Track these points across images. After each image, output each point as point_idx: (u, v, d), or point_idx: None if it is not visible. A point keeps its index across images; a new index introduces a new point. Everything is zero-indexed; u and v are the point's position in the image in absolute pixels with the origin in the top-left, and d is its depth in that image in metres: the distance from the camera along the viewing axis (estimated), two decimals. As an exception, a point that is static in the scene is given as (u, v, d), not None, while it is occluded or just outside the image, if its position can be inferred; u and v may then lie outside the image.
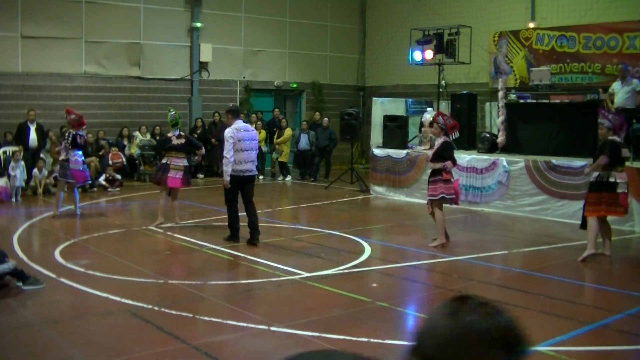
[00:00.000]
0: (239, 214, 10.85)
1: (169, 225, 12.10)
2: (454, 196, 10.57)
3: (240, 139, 10.40)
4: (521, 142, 14.89)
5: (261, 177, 20.37)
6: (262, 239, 10.72)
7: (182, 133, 12.54)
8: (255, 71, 22.90)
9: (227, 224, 10.93)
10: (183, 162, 12.27)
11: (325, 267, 9.21)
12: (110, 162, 17.81)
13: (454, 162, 10.83)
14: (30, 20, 18.27)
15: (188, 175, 12.51)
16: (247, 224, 10.69)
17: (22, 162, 15.58)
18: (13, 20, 18.05)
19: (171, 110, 12.84)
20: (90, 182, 14.81)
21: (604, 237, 10.00)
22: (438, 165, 10.51)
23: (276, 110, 21.99)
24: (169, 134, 12.44)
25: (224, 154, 10.43)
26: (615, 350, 6.24)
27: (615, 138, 9.79)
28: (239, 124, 10.64)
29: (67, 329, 6.64)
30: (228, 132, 10.49)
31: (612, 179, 9.71)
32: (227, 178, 10.47)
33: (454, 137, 10.87)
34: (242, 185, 10.63)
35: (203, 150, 12.83)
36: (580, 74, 18.24)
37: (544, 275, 8.96)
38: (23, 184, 15.66)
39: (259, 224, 10.75)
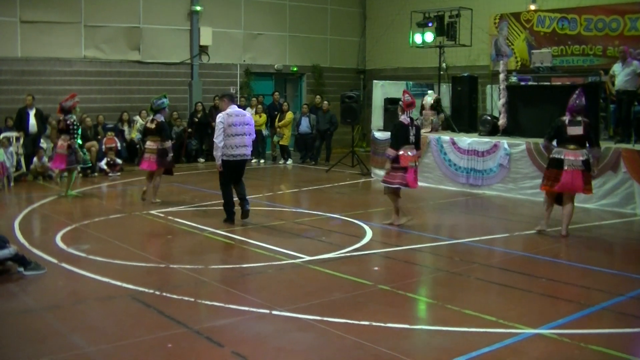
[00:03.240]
0: None
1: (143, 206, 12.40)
2: (406, 184, 10.81)
3: (231, 124, 10.57)
4: (522, 125, 14.85)
5: (262, 160, 20.41)
6: (264, 223, 10.77)
7: (156, 118, 12.81)
8: (256, 55, 22.83)
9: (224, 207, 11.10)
10: (156, 145, 12.69)
11: (327, 250, 9.21)
12: (104, 146, 17.68)
13: (394, 147, 10.80)
14: (29, 5, 18.19)
15: (164, 158, 12.76)
16: (236, 197, 11.02)
17: (11, 149, 15.43)
18: (12, 5, 17.97)
19: (162, 97, 13.04)
20: (73, 166, 14.08)
21: (548, 213, 10.45)
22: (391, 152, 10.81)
23: (276, 93, 21.94)
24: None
25: (214, 139, 10.70)
26: (617, 333, 6.24)
27: (564, 117, 10.14)
28: (232, 109, 10.76)
29: (68, 314, 6.65)
30: (219, 117, 10.74)
31: (558, 156, 10.09)
32: (218, 162, 10.73)
33: (409, 115, 10.82)
34: (235, 169, 10.85)
35: (168, 143, 12.75)
36: (581, 56, 18.16)
37: (546, 257, 8.96)
38: (13, 169, 15.53)
39: (260, 208, 10.79)
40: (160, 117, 12.79)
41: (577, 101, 10.08)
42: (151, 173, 12.91)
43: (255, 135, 11.09)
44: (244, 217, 10.98)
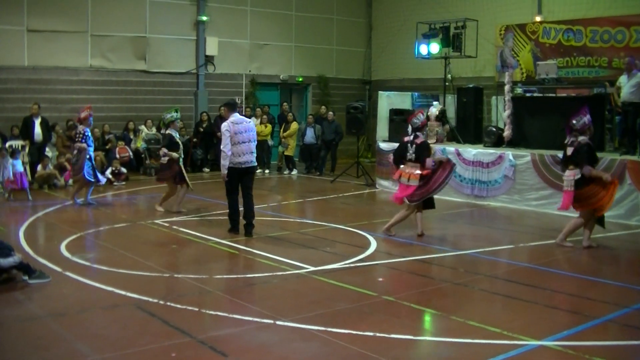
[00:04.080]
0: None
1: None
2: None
3: (237, 131, 10.55)
4: (527, 136, 14.84)
5: (267, 171, 20.41)
6: (269, 233, 10.77)
7: (164, 132, 13.29)
8: (261, 65, 22.88)
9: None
10: (161, 160, 13.09)
11: (331, 260, 9.21)
12: (117, 155, 17.84)
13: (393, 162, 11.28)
14: (36, 14, 18.28)
15: (164, 171, 13.05)
16: (242, 214, 10.94)
17: (4, 159, 15.27)
18: (19, 13, 18.07)
19: (171, 111, 13.15)
20: (77, 176, 14.05)
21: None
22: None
23: (285, 104, 21.98)
24: None
25: (222, 148, 10.60)
26: (622, 345, 6.22)
27: (568, 139, 10.22)
28: (235, 117, 10.75)
29: (73, 322, 6.65)
30: (224, 125, 10.69)
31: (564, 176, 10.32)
32: (224, 171, 10.68)
33: (413, 131, 10.87)
34: (241, 177, 10.79)
35: (161, 152, 13.02)
36: (587, 68, 18.17)
37: (550, 269, 8.94)
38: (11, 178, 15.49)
39: (265, 218, 10.80)
40: (169, 130, 12.95)
41: (574, 121, 10.06)
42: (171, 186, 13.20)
43: (256, 141, 11.05)
44: (246, 234, 10.81)
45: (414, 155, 10.69)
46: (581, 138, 9.97)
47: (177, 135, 13.20)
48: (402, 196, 10.79)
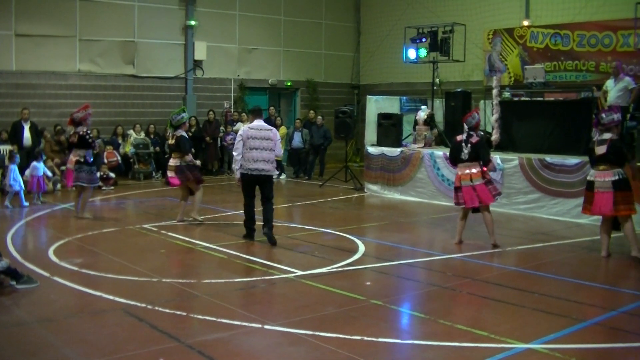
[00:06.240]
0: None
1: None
2: (463, 203, 10.84)
3: (250, 137, 10.47)
4: (515, 140, 14.89)
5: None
6: (256, 237, 10.75)
7: (176, 134, 12.28)
8: (250, 69, 22.92)
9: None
10: (175, 162, 12.24)
11: (319, 265, 9.21)
12: (105, 160, 17.76)
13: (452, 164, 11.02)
14: (24, 19, 18.25)
15: (185, 173, 12.19)
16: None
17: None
18: (7, 18, 18.04)
19: (180, 112, 12.67)
20: (80, 183, 13.00)
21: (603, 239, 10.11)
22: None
23: (271, 108, 21.97)
24: None
25: (233, 152, 10.79)
26: (609, 348, 6.25)
27: (595, 136, 9.86)
28: (255, 122, 10.68)
29: (61, 327, 6.63)
30: (240, 130, 10.76)
31: (590, 178, 9.88)
32: (236, 175, 10.70)
33: (468, 130, 10.66)
34: (255, 184, 10.68)
35: (189, 157, 12.31)
36: (574, 72, 18.29)
37: (539, 273, 8.98)
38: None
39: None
40: (180, 132, 12.26)
41: (603, 114, 9.73)
42: (184, 192, 12.51)
43: (280, 152, 10.70)
44: (269, 242, 10.59)
45: (467, 155, 10.47)
46: (610, 135, 9.61)
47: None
48: (478, 202, 10.57)
